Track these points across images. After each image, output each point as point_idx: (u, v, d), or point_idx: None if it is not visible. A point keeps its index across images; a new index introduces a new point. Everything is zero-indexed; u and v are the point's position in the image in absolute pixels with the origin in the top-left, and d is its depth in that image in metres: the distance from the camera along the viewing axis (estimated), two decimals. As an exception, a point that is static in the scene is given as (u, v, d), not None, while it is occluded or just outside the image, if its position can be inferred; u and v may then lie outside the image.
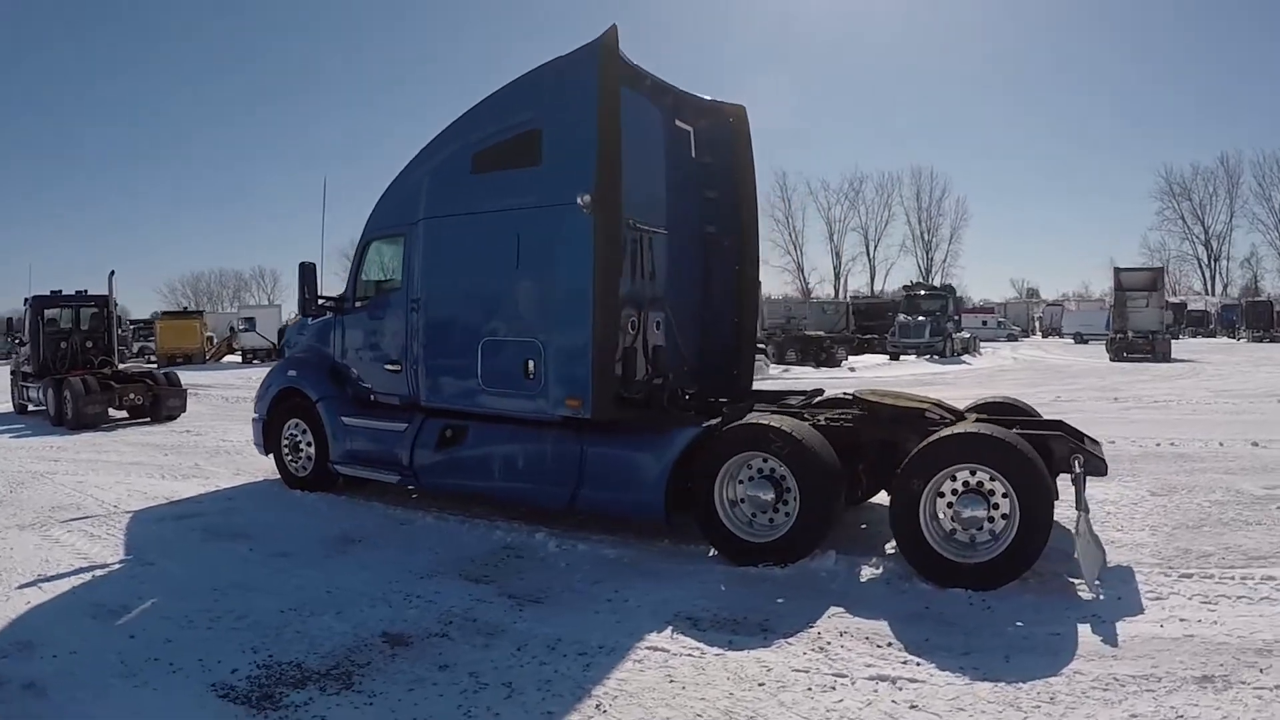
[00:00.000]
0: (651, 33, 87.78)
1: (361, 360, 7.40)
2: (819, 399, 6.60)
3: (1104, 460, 5.17)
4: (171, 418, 13.71)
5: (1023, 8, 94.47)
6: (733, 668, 3.70)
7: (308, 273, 7.40)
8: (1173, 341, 29.61)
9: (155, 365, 31.76)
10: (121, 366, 15.60)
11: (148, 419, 13.67)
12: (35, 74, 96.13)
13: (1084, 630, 4.00)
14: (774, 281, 71.43)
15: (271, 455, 8.01)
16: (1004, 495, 4.64)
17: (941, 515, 4.83)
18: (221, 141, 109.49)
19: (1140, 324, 29.63)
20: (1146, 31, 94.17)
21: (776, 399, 6.84)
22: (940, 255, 78.68)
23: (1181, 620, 4.09)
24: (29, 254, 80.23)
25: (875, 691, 3.43)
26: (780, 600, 4.58)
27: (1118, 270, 30.65)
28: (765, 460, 5.22)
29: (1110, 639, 3.88)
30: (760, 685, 3.51)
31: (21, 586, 5.00)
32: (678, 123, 7.08)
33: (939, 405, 5.77)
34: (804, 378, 24.05)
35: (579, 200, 5.49)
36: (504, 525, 6.15)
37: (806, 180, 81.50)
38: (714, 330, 7.34)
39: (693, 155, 7.19)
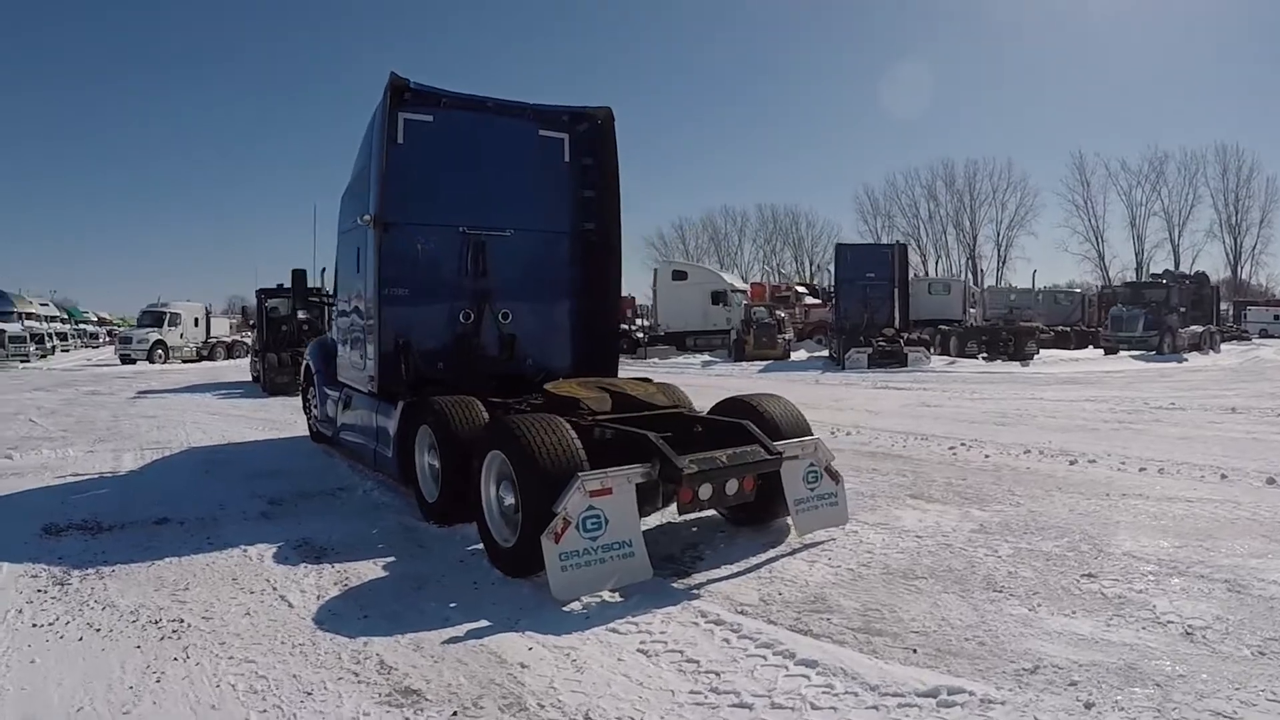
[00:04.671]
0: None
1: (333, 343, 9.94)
2: (567, 380, 7.01)
3: (680, 470, 4.65)
4: (344, 387, 17.79)
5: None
6: (252, 569, 5.03)
7: (298, 278, 10.07)
8: None
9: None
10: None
11: (332, 388, 17.94)
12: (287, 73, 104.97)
13: (469, 626, 4.07)
14: (1074, 270, 65.08)
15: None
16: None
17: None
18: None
19: None
20: None
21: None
22: (1250, 241, 67.89)
23: (568, 656, 3.71)
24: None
25: (261, 601, 4.48)
26: (380, 546, 5.53)
27: None
28: (430, 432, 6.22)
29: (458, 640, 3.93)
30: (234, 580, 4.84)
31: (58, 474, 8.27)
32: (543, 133, 8.13)
33: (639, 401, 6.18)
34: (958, 369, 23.09)
35: (359, 220, 7.10)
36: (363, 475, 8.02)
37: (1105, 162, 71.80)
38: (594, 319, 8.50)
39: (566, 160, 8.25)
